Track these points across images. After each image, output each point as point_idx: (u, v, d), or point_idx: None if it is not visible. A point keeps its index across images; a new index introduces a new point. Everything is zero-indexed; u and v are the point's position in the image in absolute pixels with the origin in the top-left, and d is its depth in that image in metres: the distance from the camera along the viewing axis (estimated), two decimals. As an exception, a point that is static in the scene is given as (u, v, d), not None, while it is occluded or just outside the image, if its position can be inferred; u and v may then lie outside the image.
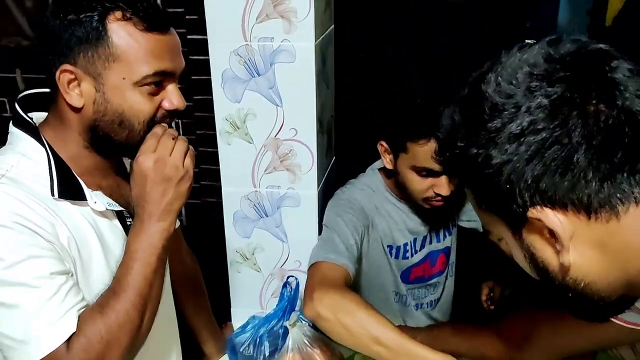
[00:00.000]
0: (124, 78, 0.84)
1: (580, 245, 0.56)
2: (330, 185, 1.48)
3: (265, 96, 1.27)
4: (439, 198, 1.24)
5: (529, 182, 0.54)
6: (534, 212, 0.55)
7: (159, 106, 0.89)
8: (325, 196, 1.42)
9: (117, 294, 0.84)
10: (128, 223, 0.95)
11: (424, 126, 1.16)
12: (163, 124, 0.90)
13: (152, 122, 0.89)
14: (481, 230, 1.47)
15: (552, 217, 0.54)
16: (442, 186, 1.22)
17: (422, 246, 1.43)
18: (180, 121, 2.49)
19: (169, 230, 0.89)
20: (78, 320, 0.81)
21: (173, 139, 0.89)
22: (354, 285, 1.22)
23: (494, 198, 0.58)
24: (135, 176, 0.88)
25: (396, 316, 1.47)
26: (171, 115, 0.91)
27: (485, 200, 0.61)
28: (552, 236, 0.56)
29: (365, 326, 0.99)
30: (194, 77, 2.31)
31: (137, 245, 0.87)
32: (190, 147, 0.92)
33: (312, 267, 1.18)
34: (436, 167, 1.19)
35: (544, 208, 0.54)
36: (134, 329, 0.84)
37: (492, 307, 1.64)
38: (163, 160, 0.87)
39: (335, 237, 1.22)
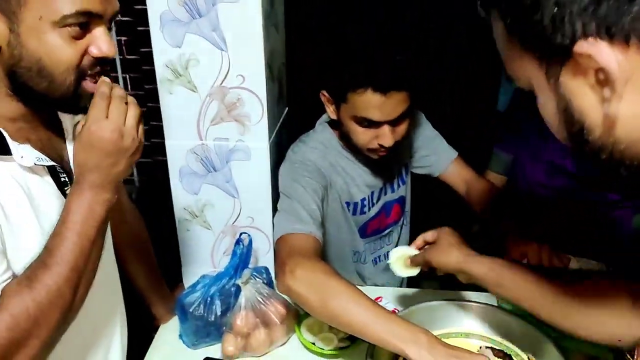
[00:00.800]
0: (40, 17, 0.73)
1: (635, 95, 0.44)
2: (283, 137, 1.41)
3: (208, 39, 1.17)
4: (383, 149, 1.21)
5: (586, 3, 0.42)
6: (583, 46, 0.43)
7: (85, 52, 0.78)
8: (278, 149, 1.35)
9: (49, 266, 0.75)
10: (62, 179, 0.86)
11: (361, 75, 1.11)
12: (105, 79, 0.80)
13: (79, 72, 0.78)
14: (435, 175, 1.45)
15: (607, 53, 0.42)
16: (384, 136, 1.18)
17: (378, 198, 1.40)
18: (127, 75, 2.36)
19: (112, 200, 0.81)
20: (2, 295, 0.72)
21: (125, 102, 0.80)
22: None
23: (533, 26, 0.46)
24: (84, 143, 0.78)
25: (353, 274, 1.44)
26: (100, 63, 0.80)
27: (520, 28, 0.48)
28: (599, 80, 0.45)
29: (337, 299, 0.95)
30: (140, 29, 2.17)
31: (75, 215, 0.78)
32: (140, 109, 0.83)
33: (279, 241, 1.12)
34: (376, 116, 1.14)
35: (599, 40, 0.43)
36: (66, 305, 0.77)
37: None
38: (119, 130, 0.78)
39: (296, 205, 1.17)
